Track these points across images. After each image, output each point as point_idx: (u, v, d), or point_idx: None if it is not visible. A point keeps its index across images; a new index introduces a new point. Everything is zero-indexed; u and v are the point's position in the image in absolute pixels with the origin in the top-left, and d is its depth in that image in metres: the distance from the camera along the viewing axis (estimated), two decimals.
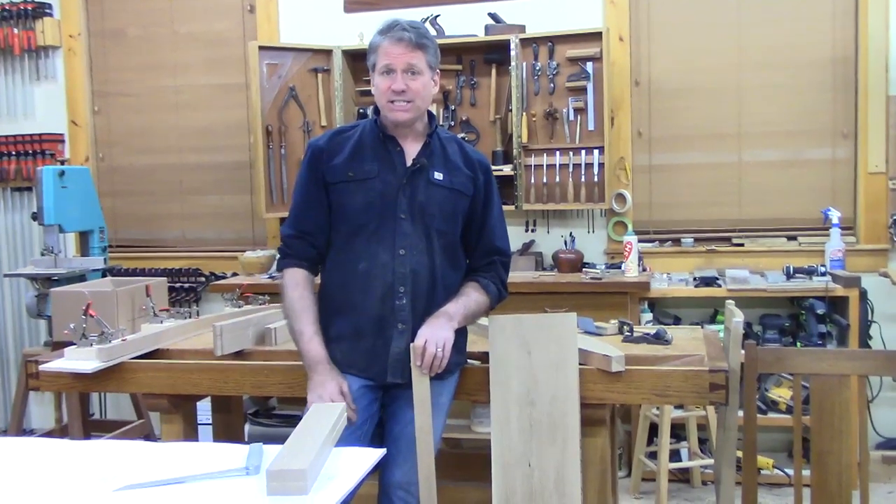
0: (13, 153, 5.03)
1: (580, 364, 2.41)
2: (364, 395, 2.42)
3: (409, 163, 2.43)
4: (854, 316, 3.84)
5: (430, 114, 2.50)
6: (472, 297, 2.46)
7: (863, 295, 3.90)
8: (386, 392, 2.47)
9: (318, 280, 2.54)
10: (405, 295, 2.39)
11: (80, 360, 2.61)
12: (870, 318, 4.00)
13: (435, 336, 2.29)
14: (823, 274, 3.96)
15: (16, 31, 4.96)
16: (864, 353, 3.13)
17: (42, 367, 2.67)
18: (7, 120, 5.12)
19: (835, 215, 4.06)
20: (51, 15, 5.02)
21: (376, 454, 1.84)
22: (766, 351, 2.53)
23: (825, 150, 4.27)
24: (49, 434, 4.25)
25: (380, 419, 2.50)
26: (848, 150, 4.24)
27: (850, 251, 4.08)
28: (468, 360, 2.56)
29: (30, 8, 4.95)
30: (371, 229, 2.39)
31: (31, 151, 5.01)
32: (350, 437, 2.23)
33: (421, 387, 2.31)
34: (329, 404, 2.09)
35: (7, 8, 4.96)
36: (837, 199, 4.23)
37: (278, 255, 2.56)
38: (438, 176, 2.44)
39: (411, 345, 2.31)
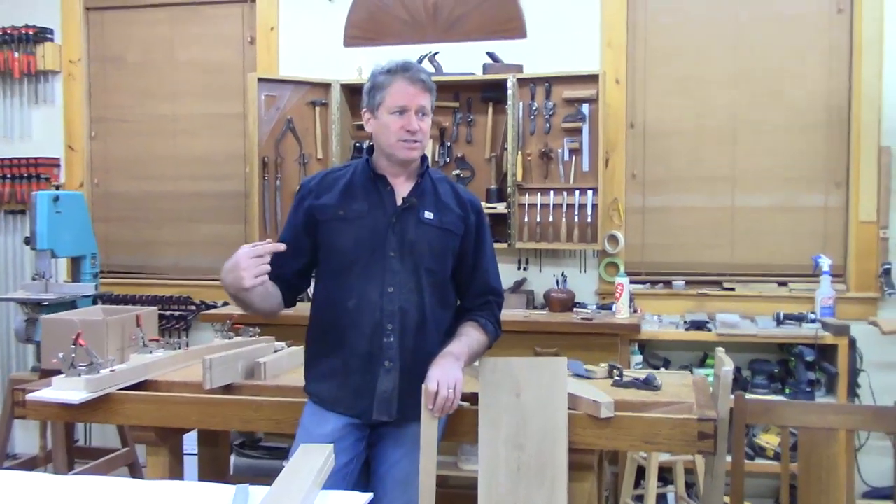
0: (8, 176, 5.02)
1: (569, 408, 2.41)
2: (350, 434, 2.41)
3: (399, 202, 2.45)
4: (843, 364, 3.85)
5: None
6: (473, 336, 2.47)
7: (852, 343, 3.91)
8: (372, 431, 2.46)
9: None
10: (393, 332, 2.39)
11: (68, 389, 2.60)
12: (859, 366, 4.01)
13: (446, 377, 2.29)
14: (813, 321, 3.98)
15: (16, 54, 4.99)
16: (852, 407, 3.15)
17: (29, 396, 2.65)
18: (4, 142, 5.12)
19: (825, 263, 4.08)
20: (52, 40, 5.05)
21: (363, 498, 1.83)
22: (755, 403, 2.54)
23: (817, 197, 4.30)
24: (33, 460, 4.22)
25: (365, 459, 2.49)
26: (840, 199, 4.27)
27: (840, 299, 4.10)
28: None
29: (31, 33, 4.98)
30: (360, 267, 2.40)
31: (26, 175, 5.01)
32: (336, 476, 2.21)
33: (429, 429, 2.31)
34: (318, 445, 2.07)
35: (9, 32, 4.99)
36: (828, 246, 4.25)
37: None
38: (428, 215, 2.45)
39: (423, 386, 2.30)
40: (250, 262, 2.23)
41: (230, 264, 2.26)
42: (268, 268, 2.25)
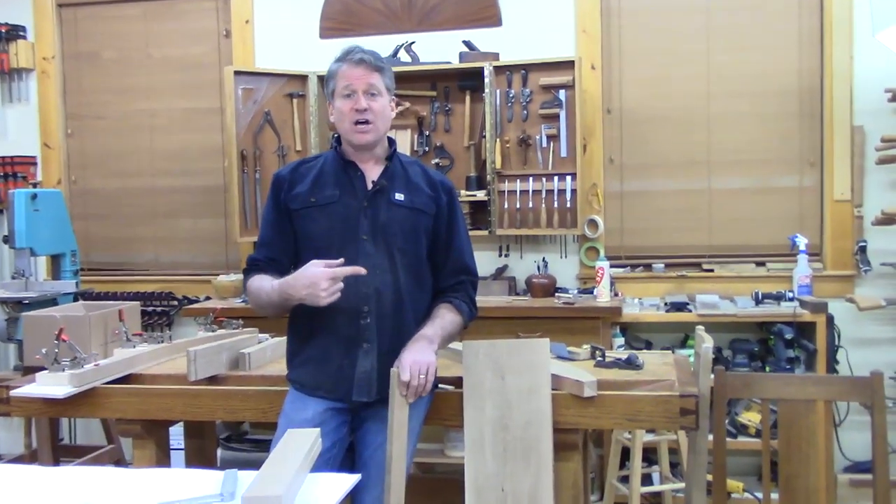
0: None
1: (553, 389, 2.44)
2: (332, 419, 2.43)
3: (370, 186, 2.48)
4: (821, 341, 3.90)
5: (389, 138, 2.57)
6: (447, 318, 2.50)
7: (830, 320, 3.96)
8: (355, 415, 2.49)
9: None
10: (369, 314, 2.42)
11: (52, 385, 2.60)
12: (837, 343, 4.07)
13: (418, 362, 2.32)
14: (791, 299, 4.03)
15: None
16: (829, 378, 3.19)
17: (13, 393, 2.65)
18: None
19: (802, 242, 4.13)
20: (24, 37, 5.01)
21: (350, 480, 1.85)
22: (735, 376, 2.57)
23: (792, 178, 4.35)
24: (18, 459, 4.21)
25: (349, 443, 2.51)
26: (814, 179, 4.32)
27: (817, 277, 4.16)
28: (440, 385, 2.58)
29: (3, 30, 4.94)
30: (334, 251, 2.41)
31: (2, 174, 4.96)
32: (319, 461, 2.23)
33: (399, 413, 2.33)
34: (304, 430, 2.09)
35: None
36: (804, 226, 4.31)
37: (244, 277, 2.58)
38: (399, 197, 2.49)
39: (392, 371, 2.34)
40: (329, 284, 2.26)
41: (307, 281, 2.28)
42: (342, 286, 2.29)
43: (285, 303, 2.38)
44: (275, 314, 2.48)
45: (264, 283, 2.43)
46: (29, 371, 3.03)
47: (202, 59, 4.92)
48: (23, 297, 3.96)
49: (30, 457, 4.15)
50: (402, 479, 2.34)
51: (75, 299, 4.09)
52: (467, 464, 2.41)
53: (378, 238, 2.44)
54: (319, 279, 2.26)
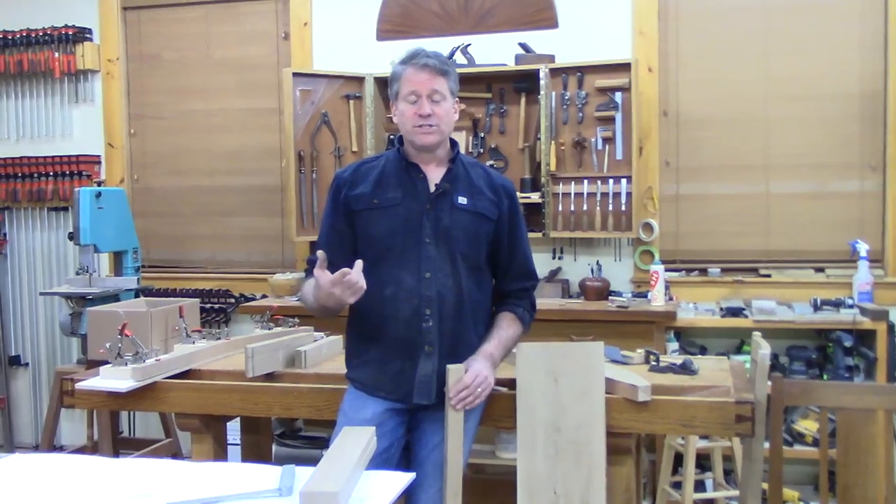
0: (51, 174, 5.14)
1: (606, 393, 2.43)
2: (390, 419, 2.46)
3: (432, 188, 2.48)
4: (882, 349, 3.82)
5: (452, 140, 2.56)
6: (509, 332, 2.53)
7: (891, 328, 3.88)
8: (412, 416, 2.51)
9: None
10: (431, 317, 2.43)
11: (116, 378, 2.68)
12: None
13: (482, 375, 2.38)
14: (851, 306, 3.96)
15: (56, 54, 5.09)
16: (890, 387, 3.13)
17: (78, 385, 2.73)
18: (46, 141, 5.24)
19: (863, 248, 4.05)
20: (91, 39, 5.15)
21: (405, 478, 1.87)
22: (793, 384, 2.54)
23: (853, 182, 4.27)
24: (80, 451, 4.32)
25: (406, 443, 2.53)
26: (876, 183, 4.24)
27: (878, 284, 4.07)
28: (495, 387, 2.59)
29: (70, 33, 5.08)
30: (396, 254, 2.44)
31: (68, 172, 5.12)
32: (376, 460, 2.26)
33: (454, 412, 2.36)
34: (360, 428, 2.12)
35: (49, 32, 5.09)
36: (865, 231, 4.22)
37: (304, 277, 2.60)
38: (462, 200, 2.48)
39: (448, 367, 2.37)
40: (340, 290, 2.24)
41: (325, 293, 2.26)
42: (362, 283, 2.26)
43: (327, 304, 2.34)
44: (325, 315, 2.46)
45: (310, 289, 2.42)
46: (92, 365, 3.12)
47: (261, 61, 5.00)
48: (86, 292, 4.07)
49: (91, 448, 4.26)
50: (460, 476, 2.35)
51: (136, 295, 4.19)
52: (519, 466, 2.41)
53: (440, 241, 2.44)
54: (330, 289, 2.24)
